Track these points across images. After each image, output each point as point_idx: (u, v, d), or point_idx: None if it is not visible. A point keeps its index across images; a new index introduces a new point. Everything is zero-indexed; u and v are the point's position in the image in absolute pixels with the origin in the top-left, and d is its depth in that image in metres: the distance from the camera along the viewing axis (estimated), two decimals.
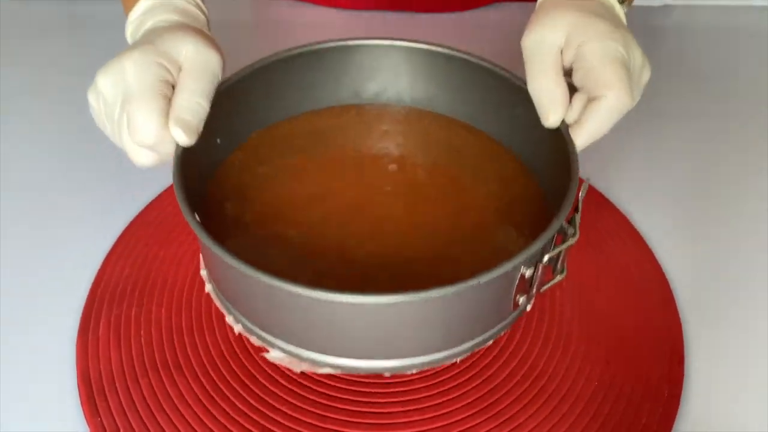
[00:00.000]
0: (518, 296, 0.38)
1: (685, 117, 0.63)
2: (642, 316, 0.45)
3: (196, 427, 0.39)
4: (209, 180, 0.45)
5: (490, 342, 0.40)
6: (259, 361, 0.43)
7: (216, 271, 0.40)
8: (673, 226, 0.52)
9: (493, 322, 0.40)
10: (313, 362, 0.39)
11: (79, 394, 0.41)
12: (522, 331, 0.44)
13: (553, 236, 0.37)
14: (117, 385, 0.41)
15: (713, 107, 0.64)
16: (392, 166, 0.47)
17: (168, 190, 0.54)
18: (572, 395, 0.40)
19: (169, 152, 0.39)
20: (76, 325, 0.45)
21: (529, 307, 0.42)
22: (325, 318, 0.36)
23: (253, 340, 0.40)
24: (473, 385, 0.41)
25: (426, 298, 0.33)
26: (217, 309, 0.44)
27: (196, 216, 0.36)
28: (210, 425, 0.39)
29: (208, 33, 0.43)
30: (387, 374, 0.39)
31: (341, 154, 0.48)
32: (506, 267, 0.34)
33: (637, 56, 0.40)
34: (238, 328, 0.41)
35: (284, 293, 0.34)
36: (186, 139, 0.38)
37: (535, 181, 0.46)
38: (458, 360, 0.40)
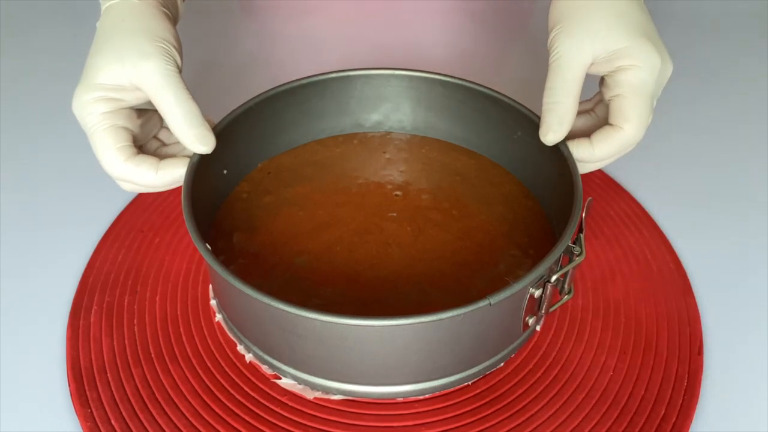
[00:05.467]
0: (528, 317, 0.39)
1: (698, 104, 0.64)
2: (659, 306, 0.44)
3: (191, 419, 0.38)
4: (216, 211, 0.46)
5: (501, 364, 0.41)
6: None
7: (227, 299, 0.40)
8: (689, 214, 0.52)
9: (503, 344, 0.40)
10: (326, 389, 0.39)
11: (69, 384, 0.39)
12: None
13: (560, 257, 0.37)
14: (108, 374, 0.40)
15: (726, 94, 0.65)
16: (396, 192, 0.48)
17: None
18: (587, 384, 0.40)
19: (142, 183, 0.39)
20: (66, 313, 0.44)
21: (538, 328, 0.42)
22: (336, 344, 0.36)
23: (265, 368, 0.40)
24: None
25: (437, 320, 0.34)
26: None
27: (208, 246, 0.36)
28: (206, 416, 0.38)
29: (158, 12, 0.41)
30: (400, 398, 0.39)
31: (346, 182, 0.48)
32: (516, 288, 0.35)
33: (667, 69, 0.40)
34: (249, 357, 0.41)
35: (296, 319, 0.35)
36: (206, 148, 0.40)
37: (537, 201, 0.47)
38: (470, 383, 0.40)
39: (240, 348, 0.41)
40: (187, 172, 0.40)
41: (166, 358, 0.41)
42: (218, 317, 0.43)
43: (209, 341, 0.42)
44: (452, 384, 0.39)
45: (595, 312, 0.44)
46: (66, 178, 0.54)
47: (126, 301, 0.44)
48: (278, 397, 0.39)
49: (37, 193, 0.53)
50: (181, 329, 0.43)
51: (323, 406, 0.39)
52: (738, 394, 0.41)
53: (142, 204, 0.51)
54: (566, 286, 0.40)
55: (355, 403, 0.39)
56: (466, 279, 0.42)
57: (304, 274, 0.42)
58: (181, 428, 0.37)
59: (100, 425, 0.38)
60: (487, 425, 0.38)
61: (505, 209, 0.47)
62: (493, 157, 0.50)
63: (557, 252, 0.36)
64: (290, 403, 0.39)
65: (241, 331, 0.41)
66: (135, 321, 0.43)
